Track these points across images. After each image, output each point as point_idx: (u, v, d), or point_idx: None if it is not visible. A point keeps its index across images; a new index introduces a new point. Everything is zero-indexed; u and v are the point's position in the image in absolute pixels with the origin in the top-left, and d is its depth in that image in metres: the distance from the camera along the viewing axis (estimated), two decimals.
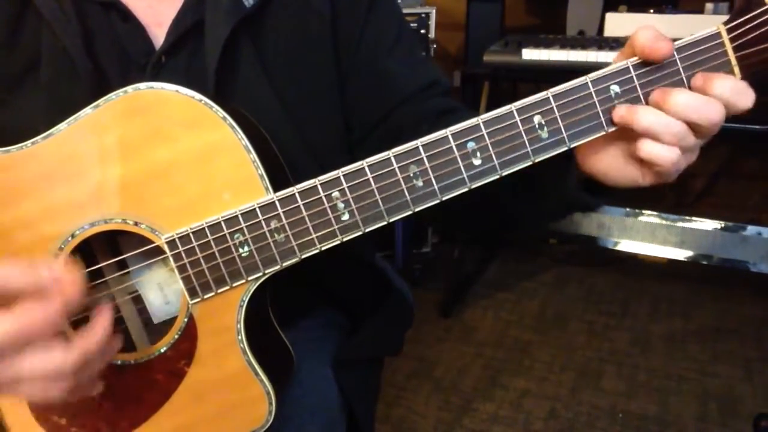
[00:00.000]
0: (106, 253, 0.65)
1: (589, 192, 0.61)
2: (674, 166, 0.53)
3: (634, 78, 0.53)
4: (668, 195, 2.69)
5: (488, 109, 0.55)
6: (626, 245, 2.41)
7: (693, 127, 0.52)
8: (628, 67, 0.53)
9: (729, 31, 0.52)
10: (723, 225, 2.25)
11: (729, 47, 0.52)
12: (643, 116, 0.52)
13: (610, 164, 0.57)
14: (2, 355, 0.49)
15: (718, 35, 0.52)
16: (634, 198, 2.42)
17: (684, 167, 0.54)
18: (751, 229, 2.22)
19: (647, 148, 0.52)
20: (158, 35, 0.69)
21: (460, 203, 0.58)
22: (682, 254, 2.32)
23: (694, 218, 2.29)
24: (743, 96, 0.51)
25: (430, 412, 1.85)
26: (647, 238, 2.36)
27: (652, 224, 2.35)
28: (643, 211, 2.36)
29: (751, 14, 0.50)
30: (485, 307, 2.38)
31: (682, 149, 0.52)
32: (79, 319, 0.59)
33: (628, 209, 2.38)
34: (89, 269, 0.62)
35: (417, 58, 0.79)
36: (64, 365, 0.51)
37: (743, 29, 0.51)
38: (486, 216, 0.73)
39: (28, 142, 0.60)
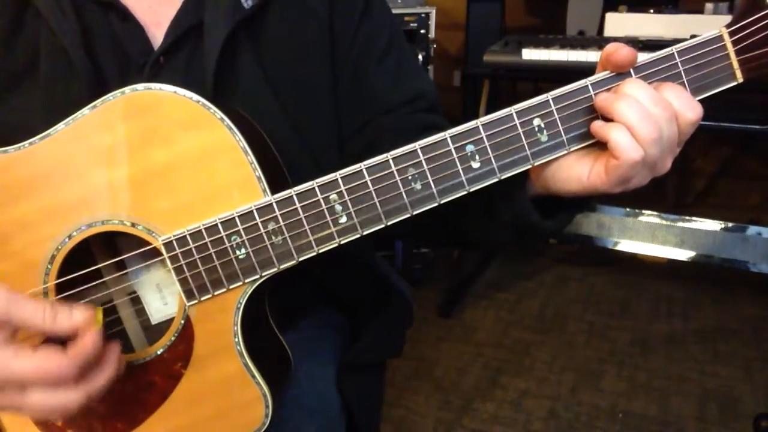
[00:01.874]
0: (104, 253, 0.65)
1: (541, 214, 0.60)
2: (632, 168, 0.51)
3: None
4: (668, 195, 2.69)
5: (488, 109, 0.54)
6: (626, 245, 2.40)
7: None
8: (629, 71, 0.53)
9: (731, 34, 0.51)
10: (723, 225, 2.25)
11: (731, 50, 0.52)
12: (625, 106, 0.50)
13: (563, 159, 0.56)
14: (16, 387, 0.52)
15: (720, 38, 0.52)
16: (634, 198, 2.42)
17: (630, 186, 0.53)
18: (751, 229, 2.21)
19: (617, 136, 0.51)
20: (157, 35, 0.69)
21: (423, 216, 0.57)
22: (682, 254, 2.32)
23: (694, 218, 2.29)
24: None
25: (430, 412, 1.85)
26: (647, 238, 2.36)
27: (652, 224, 2.34)
28: (643, 211, 2.36)
29: (754, 17, 0.50)
30: (485, 307, 2.38)
31: (646, 158, 0.51)
32: None
33: (628, 209, 2.37)
34: (87, 270, 0.62)
35: (405, 69, 0.78)
36: (70, 405, 0.53)
37: (745, 32, 0.51)
38: (440, 231, 0.72)
39: (26, 143, 0.60)
